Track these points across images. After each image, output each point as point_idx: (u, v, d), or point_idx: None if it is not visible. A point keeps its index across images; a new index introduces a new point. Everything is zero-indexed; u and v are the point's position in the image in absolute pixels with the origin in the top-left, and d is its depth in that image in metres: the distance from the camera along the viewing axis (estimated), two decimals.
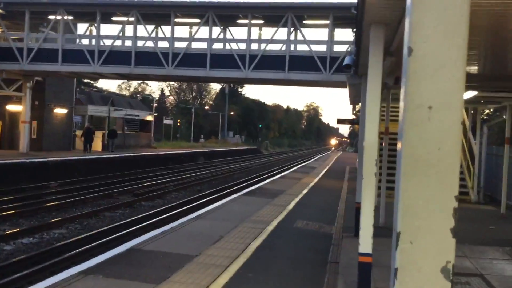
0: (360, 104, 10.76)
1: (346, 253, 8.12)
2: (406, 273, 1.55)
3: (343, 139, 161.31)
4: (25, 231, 12.49)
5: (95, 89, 73.48)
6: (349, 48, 21.74)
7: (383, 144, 11.63)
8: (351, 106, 23.31)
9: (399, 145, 1.62)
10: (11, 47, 25.51)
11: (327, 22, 23.25)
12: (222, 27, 24.59)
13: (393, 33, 6.29)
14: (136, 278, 6.18)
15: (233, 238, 9.00)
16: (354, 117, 26.58)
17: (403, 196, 1.56)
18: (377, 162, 5.84)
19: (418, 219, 1.55)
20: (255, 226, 10.27)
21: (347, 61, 9.56)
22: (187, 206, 17.01)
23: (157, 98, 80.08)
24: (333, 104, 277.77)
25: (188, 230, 9.46)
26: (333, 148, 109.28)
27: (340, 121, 24.11)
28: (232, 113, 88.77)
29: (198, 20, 24.91)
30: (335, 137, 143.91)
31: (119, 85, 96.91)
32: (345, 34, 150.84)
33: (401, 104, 1.63)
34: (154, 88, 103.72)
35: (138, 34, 25.14)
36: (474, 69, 9.59)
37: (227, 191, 21.64)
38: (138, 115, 47.18)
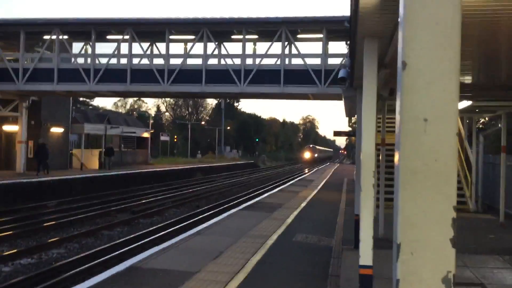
0: (356, 116, 10.81)
1: (347, 266, 8.10)
2: (408, 284, 1.57)
3: (327, 149, 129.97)
4: (23, 252, 12.41)
5: (91, 107, 73.58)
6: (344, 61, 21.88)
7: (380, 156, 11.67)
8: (347, 118, 23.41)
9: (396, 157, 1.64)
10: (7, 68, 25.58)
11: (321, 35, 23.45)
12: (216, 43, 24.75)
13: (387, 46, 6.36)
14: None
15: (233, 253, 8.97)
16: (350, 129, 26.64)
17: (402, 207, 1.58)
18: (375, 174, 5.86)
19: (417, 230, 1.57)
20: (255, 240, 10.24)
21: (341, 74, 9.64)
22: (186, 222, 16.94)
23: (153, 115, 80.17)
24: (329, 117, 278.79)
25: (188, 247, 9.42)
26: (306, 162, 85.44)
27: (336, 134, 24.19)
28: (228, 128, 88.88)
29: (192, 37, 25.08)
30: (309, 147, 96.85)
31: (115, 102, 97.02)
32: (339, 47, 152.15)
33: (397, 116, 1.66)
34: (150, 105, 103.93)
35: (133, 52, 25.28)
36: (468, 79, 9.67)
37: (226, 206, 21.59)
38: (134, 132, 47.18)
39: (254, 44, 26.41)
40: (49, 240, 13.82)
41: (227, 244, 9.77)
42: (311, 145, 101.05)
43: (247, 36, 24.42)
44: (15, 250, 12.45)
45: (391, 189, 14.05)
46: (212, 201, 24.95)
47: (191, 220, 17.46)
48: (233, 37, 25.42)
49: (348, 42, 17.97)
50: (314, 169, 58.12)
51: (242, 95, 26.97)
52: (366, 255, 5.67)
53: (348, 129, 28.31)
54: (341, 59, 22.96)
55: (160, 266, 7.77)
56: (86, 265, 10.82)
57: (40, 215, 18.80)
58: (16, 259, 11.79)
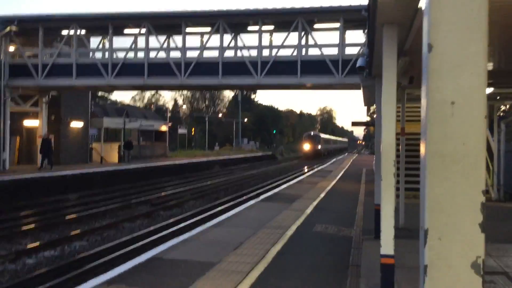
0: (375, 105, 10.71)
1: (367, 256, 8.06)
2: (436, 270, 1.55)
3: (338, 138, 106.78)
4: (46, 244, 12.64)
5: (109, 101, 74.29)
6: (361, 50, 21.68)
7: (400, 145, 11.56)
8: (366, 107, 23.21)
9: (423, 142, 1.62)
10: (26, 64, 25.93)
11: (338, 25, 23.24)
12: (233, 35, 24.71)
13: (406, 33, 6.27)
14: (158, 286, 6.22)
15: (253, 244, 9.00)
16: (369, 118, 26.42)
17: (430, 193, 1.56)
18: (395, 163, 5.80)
19: (445, 215, 1.55)
20: (274, 231, 10.26)
21: (360, 63, 9.54)
22: (205, 214, 17.06)
23: (170, 108, 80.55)
24: (347, 107, 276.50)
25: (208, 238, 9.48)
26: (307, 156, 65.76)
27: (354, 124, 24.01)
28: (245, 120, 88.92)
29: (209, 29, 25.06)
30: (310, 135, 69.63)
31: (133, 96, 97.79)
32: (357, 36, 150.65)
33: (423, 101, 1.63)
34: (167, 98, 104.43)
35: (150, 46, 25.39)
36: (489, 65, 9.50)
37: (244, 197, 21.67)
38: (152, 126, 47.51)
39: (271, 35, 26.30)
40: (72, 233, 14.04)
41: (247, 235, 9.80)
42: (311, 132, 72.07)
43: (263, 27, 24.32)
44: (38, 243, 12.68)
45: (411, 179, 13.96)
46: (230, 193, 25.05)
47: (210, 212, 17.57)
48: (249, 28, 25.33)
49: (366, 31, 17.78)
50: (333, 160, 57.83)
51: (259, 86, 26.88)
52: (387, 244, 5.63)
53: (366, 119, 28.04)
54: (359, 48, 22.75)
55: (181, 257, 7.84)
56: (108, 257, 10.97)
57: (62, 208, 19.10)
58: (39, 252, 12.02)
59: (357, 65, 9.71)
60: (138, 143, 43.10)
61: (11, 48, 27.10)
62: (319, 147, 68.57)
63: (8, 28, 25.59)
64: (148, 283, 6.32)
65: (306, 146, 68.03)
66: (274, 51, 24.31)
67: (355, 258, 8.19)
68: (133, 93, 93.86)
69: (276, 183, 28.75)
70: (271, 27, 25.09)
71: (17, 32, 26.14)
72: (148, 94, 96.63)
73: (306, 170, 39.75)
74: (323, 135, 76.64)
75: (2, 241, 13.18)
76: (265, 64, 23.67)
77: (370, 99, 14.36)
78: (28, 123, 29.76)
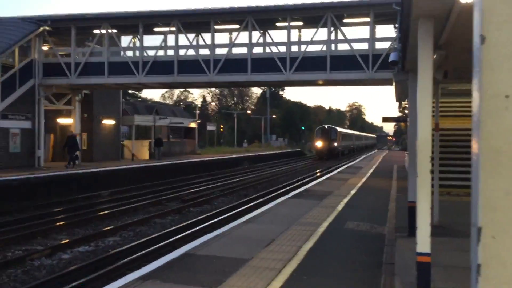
0: (407, 100, 10.53)
1: (401, 254, 7.94)
2: (490, 269, 1.50)
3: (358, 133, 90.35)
4: (81, 240, 12.91)
5: (139, 99, 75.30)
6: (392, 44, 21.34)
7: (434, 141, 11.33)
8: (397, 103, 22.85)
9: (475, 138, 1.57)
10: (60, 63, 26.49)
11: (368, 19, 22.94)
12: (261, 31, 24.68)
13: (442, 26, 6.13)
14: (192, 282, 6.26)
15: (285, 241, 8.98)
16: (400, 114, 26.01)
17: (483, 190, 1.51)
18: (431, 159, 5.69)
19: (500, 213, 1.49)
20: (306, 228, 10.21)
21: (392, 57, 9.39)
22: (235, 211, 17.12)
23: (199, 105, 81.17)
24: (376, 102, 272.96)
25: (239, 234, 9.50)
26: (320, 155, 55.41)
27: (385, 120, 23.66)
28: (274, 116, 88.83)
29: (237, 26, 25.11)
30: (323, 130, 58.06)
31: (162, 94, 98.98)
32: (387, 30, 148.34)
33: (475, 95, 1.58)
34: (196, 96, 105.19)
35: (180, 43, 25.59)
36: None
37: (274, 194, 21.65)
38: (182, 123, 47.96)
39: (299, 31, 26.18)
40: (105, 229, 14.29)
41: (278, 231, 9.79)
42: (325, 126, 60.14)
43: (292, 23, 24.23)
44: (73, 238, 12.96)
45: (445, 176, 13.69)
46: (260, 189, 25.07)
47: (240, 209, 17.62)
48: (277, 24, 25.28)
49: (397, 25, 17.48)
50: (362, 156, 57.23)
51: (288, 82, 26.81)
52: (423, 242, 5.53)
53: (398, 114, 27.60)
54: (389, 42, 22.42)
55: (213, 253, 7.88)
56: (141, 252, 11.13)
57: (95, 204, 19.47)
58: (74, 247, 12.28)
59: (390, 59, 9.56)
60: (168, 140, 43.57)
61: (45, 48, 27.74)
62: (335, 144, 56.69)
63: (41, 28, 26.19)
64: (182, 279, 6.37)
65: (319, 144, 56.44)
66: (303, 47, 24.19)
67: (388, 256, 8.09)
68: (163, 90, 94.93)
69: (306, 179, 28.64)
70: (300, 23, 24.97)
71: (50, 32, 26.73)
72: (177, 91, 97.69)
73: (335, 167, 39.47)
74: (340, 129, 64.33)
75: (38, 236, 13.52)
76: (294, 60, 23.58)
77: (402, 94, 14.13)
78: (62, 121, 30.42)
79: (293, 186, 25.05)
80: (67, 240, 12.74)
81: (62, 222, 15.32)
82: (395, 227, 10.60)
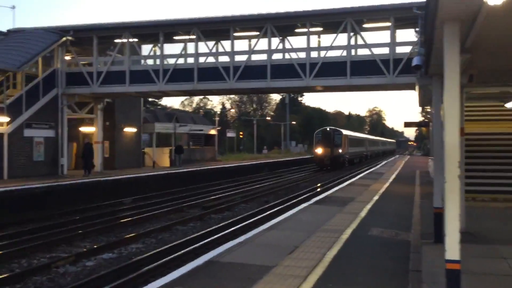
0: (432, 105, 10.38)
1: (428, 261, 7.80)
2: None
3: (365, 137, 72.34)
4: (104, 247, 13.01)
5: (159, 107, 75.96)
6: (414, 48, 21.13)
7: (459, 146, 11.15)
8: (420, 108, 22.58)
9: None
10: (82, 72, 26.89)
11: (388, 24, 22.77)
12: (280, 38, 24.69)
13: (468, 29, 6.04)
14: None
15: (308, 248, 8.91)
16: (423, 119, 25.69)
17: None
18: (459, 164, 5.59)
19: None
20: (329, 235, 10.12)
21: (416, 61, 9.27)
22: (256, 218, 17.08)
23: (219, 112, 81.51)
24: (397, 107, 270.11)
25: (262, 241, 9.46)
26: (320, 164, 46.04)
27: (407, 124, 23.42)
28: (293, 122, 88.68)
29: (257, 33, 25.18)
30: (325, 132, 48.12)
31: (182, 101, 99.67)
32: (408, 34, 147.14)
33: None
34: (215, 103, 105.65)
35: (200, 51, 25.76)
36: None
37: (295, 200, 21.55)
38: (202, 130, 48.14)
39: (319, 37, 26.14)
40: (128, 236, 14.38)
41: (302, 238, 9.72)
42: (327, 128, 49.41)
43: (312, 29, 24.19)
44: (97, 245, 13.07)
45: (470, 181, 13.45)
46: (280, 196, 24.99)
47: (262, 215, 17.57)
48: (297, 30, 25.27)
49: (419, 29, 17.32)
50: (383, 162, 56.68)
51: (308, 89, 26.73)
52: (453, 249, 5.42)
53: (419, 119, 27.24)
54: (410, 47, 22.21)
55: (237, 260, 7.85)
56: (164, 259, 11.15)
57: (117, 211, 19.64)
58: (98, 254, 12.38)
59: (413, 64, 9.45)
60: (188, 147, 43.79)
61: (67, 57, 28.19)
62: (340, 151, 46.43)
63: (64, 38, 26.63)
64: (207, 287, 6.36)
65: (319, 150, 46.27)
66: (322, 52, 24.12)
67: (415, 263, 7.95)
68: (182, 98, 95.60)
69: (327, 185, 28.46)
70: (320, 29, 24.91)
71: (73, 42, 27.16)
72: (196, 99, 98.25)
73: (356, 172, 39.16)
74: (347, 133, 52.77)
75: (62, 244, 13.67)
76: (314, 65, 23.52)
77: (426, 99, 13.95)
78: (85, 129, 30.82)
79: (314, 192, 24.91)
80: (91, 247, 12.86)
81: (86, 229, 15.47)
82: (421, 233, 10.43)
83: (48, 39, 26.43)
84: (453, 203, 5.50)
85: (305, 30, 24.19)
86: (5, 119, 23.72)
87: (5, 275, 10.19)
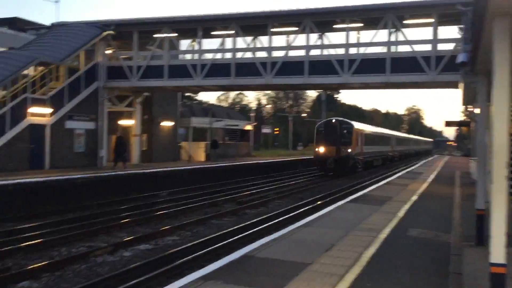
0: (477, 104, 10.06)
1: (469, 264, 7.58)
2: None
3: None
4: (141, 238, 13.22)
5: (195, 101, 76.69)
6: (458, 45, 20.54)
7: None
8: (462, 107, 21.99)
9: None
10: (122, 66, 27.37)
11: (431, 20, 22.22)
12: (319, 34, 24.46)
13: None
14: (253, 284, 6.23)
15: (345, 246, 8.80)
16: (464, 118, 25.00)
17: None
18: (508, 165, 5.38)
19: None
20: (366, 234, 9.97)
21: (461, 58, 8.98)
22: (291, 214, 17.01)
23: (254, 108, 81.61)
24: (436, 106, 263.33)
25: (298, 238, 9.40)
26: (321, 164, 34.97)
27: (448, 124, 22.83)
28: None
29: (295, 28, 25.02)
30: (328, 125, 35.89)
31: (218, 97, 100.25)
32: (450, 31, 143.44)
33: None
34: (251, 98, 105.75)
35: (237, 46, 25.80)
36: None
37: (330, 198, 21.36)
38: (237, 125, 48.34)
39: (358, 33, 25.76)
40: (163, 228, 14.57)
41: (338, 236, 9.61)
42: (333, 120, 37.23)
43: (351, 25, 23.86)
44: (134, 236, 13.29)
45: None
46: (315, 193, 24.81)
47: (296, 212, 17.49)
48: (335, 26, 24.98)
49: (463, 26, 16.80)
50: (422, 161, 55.49)
51: (345, 85, 26.39)
52: (498, 252, 5.22)
53: (460, 118, 26.54)
54: (453, 44, 21.61)
55: (273, 256, 7.83)
56: (199, 252, 11.24)
57: (154, 204, 19.92)
58: (135, 245, 12.59)
59: (458, 60, 9.17)
60: (223, 142, 44.06)
61: (108, 51, 28.75)
62: (349, 150, 35.09)
63: (105, 33, 27.16)
64: (243, 281, 6.36)
65: (320, 149, 35.09)
66: (361, 48, 23.78)
67: (455, 266, 7.74)
68: (218, 93, 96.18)
69: (363, 184, 28.10)
70: (359, 24, 24.55)
71: (114, 36, 27.66)
72: (232, 94, 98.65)
73: (393, 171, 38.49)
74: (360, 126, 40.68)
75: (101, 234, 13.97)
76: (352, 62, 23.20)
77: (469, 97, 13.54)
78: (123, 122, 31.41)
79: (350, 190, 24.63)
80: (128, 238, 13.08)
81: (123, 220, 15.77)
82: (461, 235, 10.15)
83: (90, 33, 27.02)
84: (499, 204, 5.30)
85: (344, 26, 23.88)
86: (48, 110, 24.41)
87: (45, 262, 10.48)
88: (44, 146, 24.39)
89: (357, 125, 39.25)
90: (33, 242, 12.40)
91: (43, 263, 10.40)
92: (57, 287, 9.28)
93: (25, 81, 24.92)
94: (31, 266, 10.18)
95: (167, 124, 33.95)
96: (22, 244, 12.12)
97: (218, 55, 26.20)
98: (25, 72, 24.79)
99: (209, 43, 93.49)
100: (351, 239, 9.44)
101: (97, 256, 11.39)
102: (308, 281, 6.46)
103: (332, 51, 24.39)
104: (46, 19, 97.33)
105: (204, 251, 11.40)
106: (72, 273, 10.17)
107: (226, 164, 32.80)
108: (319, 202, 19.95)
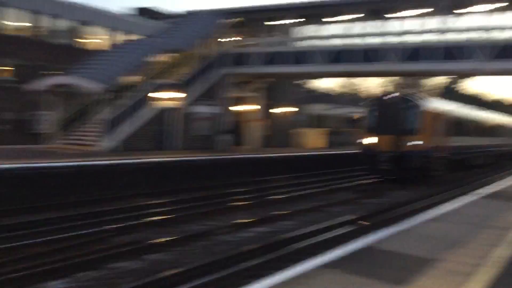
0: None
1: None
2: None
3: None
4: (259, 221, 13.43)
5: (315, 88, 76.16)
6: None
7: None
8: None
9: None
10: (247, 52, 27.95)
11: None
12: (454, 14, 22.71)
13: None
14: (375, 276, 5.91)
15: (475, 244, 8.03)
16: None
17: None
18: None
19: None
20: (501, 232, 9.02)
21: None
22: (415, 207, 16.12)
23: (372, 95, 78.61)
24: None
25: (423, 232, 8.80)
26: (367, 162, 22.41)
27: None
28: None
29: (429, 10, 23.48)
30: (384, 102, 21.77)
31: (339, 84, 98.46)
32: None
33: None
34: (375, 85, 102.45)
35: (367, 31, 24.95)
36: None
37: (459, 192, 19.85)
38: (358, 112, 47.16)
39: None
40: (280, 212, 14.63)
41: (467, 233, 8.82)
42: (393, 94, 22.68)
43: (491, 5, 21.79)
44: (253, 219, 13.52)
45: None
46: (450, 188, 23.12)
47: (421, 205, 16.53)
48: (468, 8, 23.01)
49: None
50: None
51: (481, 71, 24.23)
52: None
53: None
54: None
55: (395, 249, 7.39)
56: (316, 240, 11.08)
57: (272, 188, 20.13)
58: (253, 227, 12.80)
59: None
60: (341, 129, 43.27)
61: (234, 38, 29.57)
62: (416, 142, 21.66)
63: (232, 20, 27.93)
64: (363, 272, 6.06)
65: (370, 140, 22.69)
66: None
67: None
68: (339, 79, 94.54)
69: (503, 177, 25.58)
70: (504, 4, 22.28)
71: (240, 23, 28.34)
72: (355, 81, 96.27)
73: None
74: (440, 105, 24.79)
75: (220, 214, 14.43)
76: (493, 47, 21.15)
77: None
78: (246, 107, 32.14)
79: (483, 184, 22.59)
80: (248, 220, 13.34)
81: (242, 203, 16.14)
82: None
83: (217, 21, 27.98)
84: None
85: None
86: (179, 95, 25.79)
87: (173, 237, 11.06)
88: (174, 128, 25.89)
89: (434, 102, 24.10)
90: (161, 217, 13.22)
91: (171, 238, 10.97)
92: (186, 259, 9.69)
93: (158, 67, 26.58)
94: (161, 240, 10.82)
95: (287, 110, 34.18)
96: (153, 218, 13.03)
97: (345, 41, 25.56)
98: (159, 59, 26.43)
99: (334, 29, 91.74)
100: (483, 237, 8.58)
101: (217, 235, 11.80)
102: (433, 278, 5.94)
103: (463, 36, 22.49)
104: (176, 9, 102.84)
105: (321, 239, 11.21)
106: (191, 249, 10.62)
107: (345, 151, 32.10)
108: None
